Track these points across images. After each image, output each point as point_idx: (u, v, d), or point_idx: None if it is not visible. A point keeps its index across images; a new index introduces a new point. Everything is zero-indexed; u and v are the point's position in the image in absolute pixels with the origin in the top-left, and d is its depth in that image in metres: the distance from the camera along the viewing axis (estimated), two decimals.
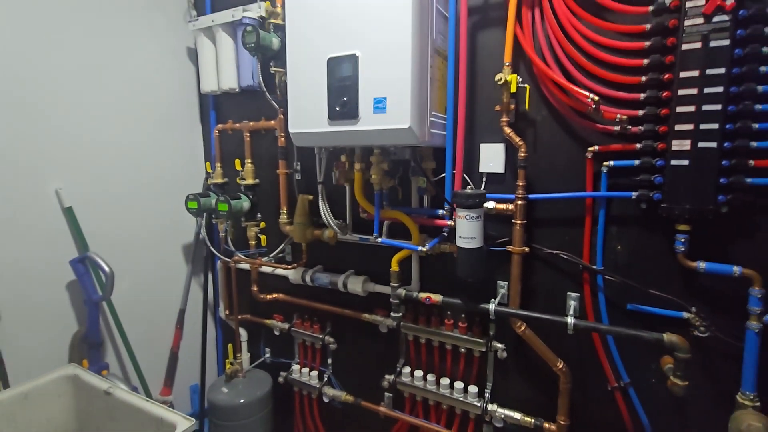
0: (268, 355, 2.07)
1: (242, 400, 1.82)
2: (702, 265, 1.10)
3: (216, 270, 2.13)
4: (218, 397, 1.83)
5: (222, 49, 1.80)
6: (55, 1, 1.54)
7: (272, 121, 1.74)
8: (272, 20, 1.62)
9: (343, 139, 1.26)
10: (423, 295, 1.42)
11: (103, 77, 1.69)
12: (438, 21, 1.24)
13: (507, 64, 1.25)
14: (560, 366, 1.31)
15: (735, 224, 1.09)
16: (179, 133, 2.01)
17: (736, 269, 1.05)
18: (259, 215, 1.90)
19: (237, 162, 1.88)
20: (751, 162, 1.02)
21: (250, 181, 1.85)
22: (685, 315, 1.15)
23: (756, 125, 1.01)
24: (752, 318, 1.05)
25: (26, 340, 1.48)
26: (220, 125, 1.93)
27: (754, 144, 1.02)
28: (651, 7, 1.09)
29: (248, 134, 1.84)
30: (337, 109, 1.22)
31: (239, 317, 2.00)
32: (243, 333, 2.05)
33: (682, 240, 1.11)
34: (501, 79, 1.22)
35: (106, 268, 1.52)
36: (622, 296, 1.26)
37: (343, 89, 1.21)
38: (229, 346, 2.02)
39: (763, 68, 0.99)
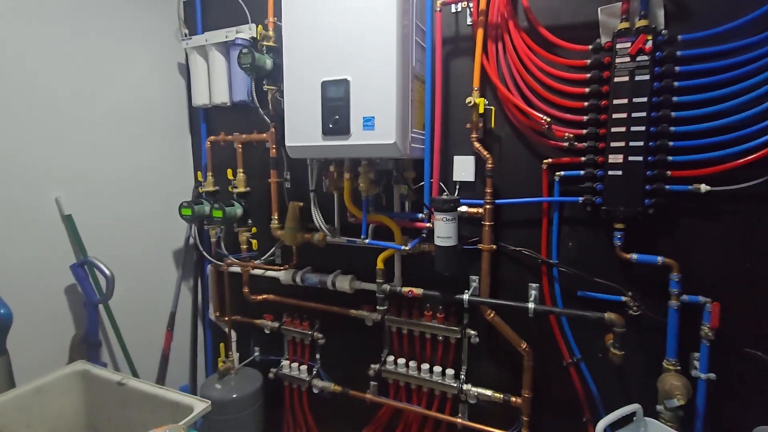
0: (257, 354, 2.18)
1: (234, 396, 1.93)
2: (634, 256, 1.34)
3: (206, 274, 2.23)
4: (211, 393, 1.93)
5: (215, 66, 1.93)
6: (55, 16, 1.63)
7: (264, 134, 1.89)
8: (265, 42, 1.77)
9: (336, 152, 1.44)
10: (406, 289, 1.61)
11: (99, 90, 1.79)
12: (417, 50, 1.45)
13: (476, 88, 1.47)
14: (524, 347, 1.53)
15: (659, 223, 1.35)
16: (170, 144, 2.11)
17: (660, 259, 1.30)
18: (250, 221, 2.03)
19: (229, 171, 2.01)
20: (669, 173, 1.28)
21: (242, 189, 1.98)
22: (623, 298, 1.39)
23: (671, 143, 1.26)
24: (672, 298, 1.30)
25: (28, 342, 1.54)
26: (212, 137, 2.05)
27: (670, 158, 1.27)
28: (590, 46, 1.34)
29: (240, 146, 1.97)
30: (330, 126, 1.39)
31: (228, 318, 2.11)
32: (232, 334, 2.16)
33: (619, 236, 1.36)
34: (471, 102, 1.44)
35: (107, 272, 1.61)
36: (573, 285, 1.49)
37: (335, 109, 1.38)
38: (221, 345, 2.13)
39: (675, 98, 1.25)
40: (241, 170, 1.98)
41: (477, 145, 1.51)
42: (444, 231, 1.43)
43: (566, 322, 1.51)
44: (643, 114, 1.27)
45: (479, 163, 1.57)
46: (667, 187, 1.28)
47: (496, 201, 1.52)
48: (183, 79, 2.14)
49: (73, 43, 1.69)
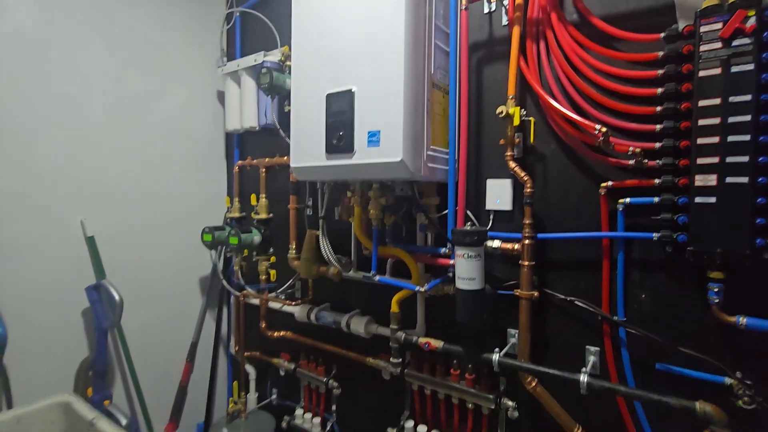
0: (274, 396, 1.99)
1: None
2: (742, 320, 0.93)
3: (230, 304, 2.13)
4: None
5: (245, 91, 1.90)
6: (99, 42, 1.71)
7: (285, 157, 1.78)
8: (288, 62, 1.70)
9: (340, 172, 1.25)
10: (423, 340, 1.32)
11: (138, 115, 1.84)
12: (438, 56, 1.23)
13: (510, 96, 1.20)
14: None
15: None
16: (206, 169, 2.11)
17: None
18: (271, 249, 1.91)
19: (252, 197, 1.93)
20: None
21: (263, 215, 1.87)
22: (727, 381, 0.96)
23: None
24: None
25: (35, 364, 1.53)
26: (240, 161, 2.00)
27: None
28: (662, 34, 1.02)
29: (264, 170, 1.89)
30: (334, 142, 1.21)
31: (247, 354, 1.97)
32: (251, 371, 2.00)
33: (716, 290, 0.95)
34: (502, 112, 1.16)
35: (116, 296, 1.56)
36: (650, 353, 1.09)
37: (339, 124, 1.21)
38: (234, 384, 1.98)
39: None
40: (264, 195, 1.88)
41: (512, 164, 1.21)
42: (466, 271, 1.14)
43: (640, 406, 1.10)
44: (747, 118, 0.90)
45: (518, 187, 1.27)
46: None
47: (538, 235, 1.20)
48: (221, 106, 2.16)
49: (118, 70, 1.77)
